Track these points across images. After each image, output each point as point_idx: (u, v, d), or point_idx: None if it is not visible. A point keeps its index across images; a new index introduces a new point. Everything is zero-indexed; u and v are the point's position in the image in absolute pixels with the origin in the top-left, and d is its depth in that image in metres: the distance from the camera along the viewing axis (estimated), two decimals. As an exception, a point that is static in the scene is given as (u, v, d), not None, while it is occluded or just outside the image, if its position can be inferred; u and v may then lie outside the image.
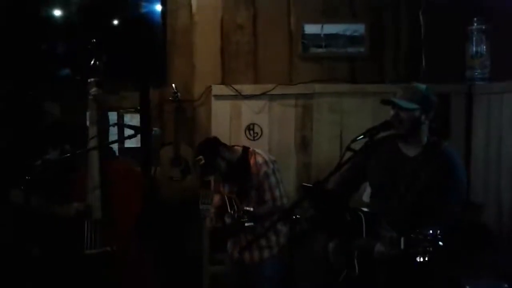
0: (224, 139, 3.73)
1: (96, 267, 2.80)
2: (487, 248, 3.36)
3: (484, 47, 3.76)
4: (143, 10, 3.82)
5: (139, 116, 3.84)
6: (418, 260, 2.01)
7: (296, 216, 2.14)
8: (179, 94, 3.77)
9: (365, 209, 2.48)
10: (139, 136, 3.62)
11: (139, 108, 3.84)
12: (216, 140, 3.18)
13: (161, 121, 3.86)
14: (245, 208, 2.81)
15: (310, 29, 3.88)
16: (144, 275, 2.96)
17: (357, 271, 2.39)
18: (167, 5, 3.83)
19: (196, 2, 3.87)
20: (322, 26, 3.88)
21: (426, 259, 2.00)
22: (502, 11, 3.64)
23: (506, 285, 3.10)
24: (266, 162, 3.06)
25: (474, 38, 3.80)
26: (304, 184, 2.87)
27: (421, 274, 2.34)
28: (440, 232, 2.02)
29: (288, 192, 3.40)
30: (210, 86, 3.87)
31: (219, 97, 3.85)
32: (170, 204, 3.69)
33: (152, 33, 3.84)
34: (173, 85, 3.77)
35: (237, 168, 3.06)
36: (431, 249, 2.00)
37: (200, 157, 2.99)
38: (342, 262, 2.48)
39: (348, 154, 2.32)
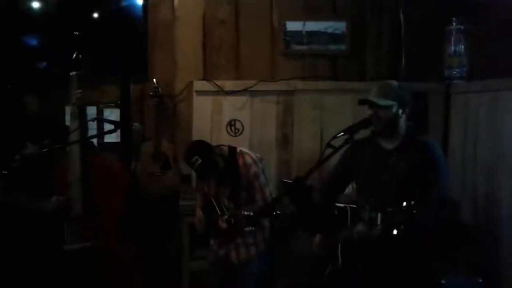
0: (205, 135, 3.76)
1: (75, 262, 2.78)
2: (463, 244, 3.45)
3: (462, 46, 3.84)
4: (125, 4, 3.78)
5: (119, 111, 3.80)
6: (394, 232, 2.06)
7: (276, 212, 2.15)
8: (160, 89, 3.76)
9: (352, 205, 2.52)
10: (119, 131, 3.61)
11: (119, 102, 3.80)
12: (204, 141, 3.12)
13: (141, 116, 3.84)
14: (243, 213, 2.70)
15: (292, 26, 3.90)
16: (124, 271, 2.94)
17: (340, 263, 2.44)
18: (148, 0, 3.80)
19: (177, -4, 3.86)
20: (304, 24, 3.91)
21: (402, 228, 2.06)
22: (480, 11, 3.71)
23: (480, 280, 3.19)
24: (255, 161, 3.02)
25: (452, 38, 3.87)
26: (284, 180, 2.89)
27: (400, 267, 2.40)
28: (414, 204, 2.08)
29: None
30: (192, 82, 3.86)
31: (200, 92, 3.84)
32: (151, 199, 3.67)
33: (133, 27, 3.80)
34: (154, 80, 3.76)
35: (226, 170, 3.00)
36: (406, 219, 2.07)
37: (196, 157, 2.88)
38: (326, 256, 2.52)
39: (329, 151, 2.37)
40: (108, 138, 3.65)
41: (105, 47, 3.67)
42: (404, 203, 2.11)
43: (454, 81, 3.88)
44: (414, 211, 2.07)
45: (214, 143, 3.66)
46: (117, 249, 2.92)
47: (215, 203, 2.99)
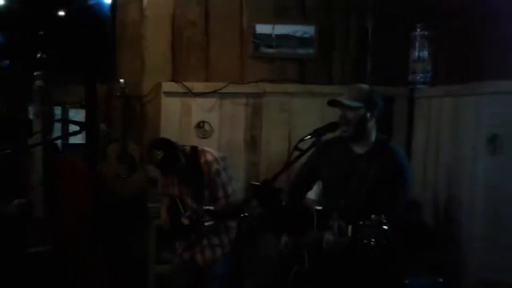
0: (174, 137, 3.70)
1: (38, 266, 2.72)
2: (425, 245, 3.54)
3: (426, 52, 3.94)
4: (91, 3, 3.72)
5: (84, 111, 3.74)
6: (365, 243, 2.10)
7: (244, 214, 2.17)
8: (127, 89, 3.72)
9: (318, 207, 2.56)
10: (84, 132, 3.55)
11: (84, 103, 3.74)
12: (167, 138, 3.15)
13: (108, 117, 3.78)
14: (204, 207, 2.77)
15: (262, 29, 3.92)
16: (89, 274, 2.90)
17: (307, 265, 2.47)
18: (117, -1, 3.76)
19: (146, -4, 3.82)
20: (273, 27, 3.93)
21: (372, 242, 2.10)
22: (443, 19, 3.83)
23: (441, 280, 3.29)
24: (216, 159, 3.07)
25: (417, 44, 3.96)
26: (252, 182, 2.92)
27: (366, 269, 2.45)
28: (384, 217, 2.13)
29: (238, 190, 3.44)
30: (160, 83, 3.83)
31: (169, 94, 3.81)
32: (117, 201, 3.63)
33: (100, 26, 3.76)
34: (121, 80, 3.71)
35: (188, 168, 3.04)
36: (377, 233, 2.11)
37: (160, 152, 2.90)
38: (292, 258, 2.55)
39: (296, 154, 2.40)
40: (73, 140, 3.59)
41: (71, 46, 3.61)
42: (373, 216, 2.14)
43: (418, 86, 3.98)
44: (385, 227, 2.10)
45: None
46: (81, 252, 2.87)
47: (179, 203, 3.02)
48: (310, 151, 2.49)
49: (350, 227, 2.23)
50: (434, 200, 3.73)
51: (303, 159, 2.56)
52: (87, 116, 3.68)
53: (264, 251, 3.35)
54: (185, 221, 2.92)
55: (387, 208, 2.28)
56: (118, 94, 3.68)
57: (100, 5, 3.76)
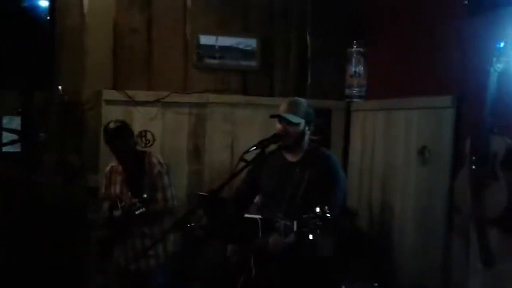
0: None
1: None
2: (360, 251, 3.73)
3: (362, 68, 4.17)
4: (28, 6, 3.58)
5: (19, 119, 3.58)
6: (311, 237, 2.20)
7: (190, 224, 2.20)
8: (66, 97, 3.62)
9: (259, 216, 2.63)
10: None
11: (20, 110, 3.59)
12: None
13: (46, 125, 3.65)
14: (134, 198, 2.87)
15: (205, 40, 3.97)
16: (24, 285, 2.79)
17: (253, 273, 2.53)
18: (55, 3, 3.64)
19: (88, 2, 3.75)
20: (216, 38, 3.99)
21: (318, 233, 2.20)
22: (376, 36, 4.08)
23: (376, 284, 3.46)
24: (160, 163, 3.15)
25: (353, 59, 4.19)
26: (199, 193, 2.96)
27: (307, 275, 2.55)
28: (327, 208, 2.25)
29: (180, 199, 3.45)
30: (101, 91, 3.76)
31: (110, 102, 3.75)
32: (54, 211, 3.50)
33: (38, 31, 3.61)
34: (60, 87, 3.61)
35: (133, 166, 3.10)
36: (320, 223, 2.22)
37: (117, 123, 3.09)
38: (239, 266, 2.60)
39: (242, 164, 2.46)
40: (8, 148, 3.43)
41: (5, 51, 3.45)
42: (318, 209, 2.26)
43: (354, 100, 4.21)
44: (328, 215, 2.23)
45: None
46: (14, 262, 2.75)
47: (119, 203, 3.03)
48: (240, 164, 2.55)
49: (295, 223, 2.34)
50: (369, 207, 3.94)
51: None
52: (23, 124, 3.53)
53: (210, 260, 3.37)
54: (117, 213, 2.96)
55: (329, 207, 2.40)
56: (56, 101, 3.57)
57: (37, 9, 3.62)
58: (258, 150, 2.55)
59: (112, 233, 3.10)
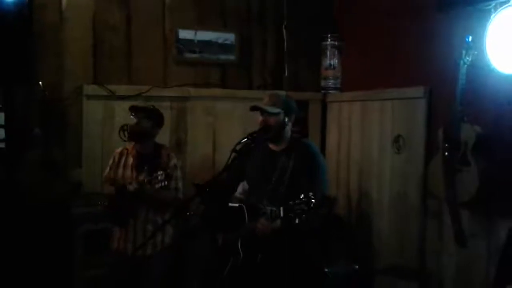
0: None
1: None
2: (340, 235, 3.89)
3: (337, 60, 4.32)
4: (7, 3, 3.55)
5: (2, 115, 3.57)
6: (297, 222, 2.34)
7: (189, 213, 2.29)
8: (47, 92, 3.61)
9: (246, 203, 2.76)
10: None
11: (1, 107, 3.57)
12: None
13: (29, 121, 3.63)
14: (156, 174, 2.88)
15: (184, 34, 4.02)
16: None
17: (241, 256, 2.66)
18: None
19: (66, -2, 3.74)
20: (195, 33, 4.05)
21: (303, 218, 2.34)
22: (351, 30, 4.23)
23: (356, 267, 3.64)
24: (175, 156, 3.26)
25: (328, 53, 4.34)
26: (197, 183, 3.03)
27: (293, 257, 2.69)
28: (311, 195, 2.39)
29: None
30: (81, 86, 3.77)
31: (91, 97, 3.76)
32: (39, 207, 3.51)
33: (17, 28, 3.59)
34: (40, 82, 3.60)
35: (152, 153, 3.17)
36: (306, 208, 2.36)
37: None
38: (229, 251, 2.72)
39: (234, 155, 2.57)
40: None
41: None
42: (302, 195, 2.39)
43: (330, 91, 4.36)
44: (313, 200, 2.36)
45: (105, 149, 3.68)
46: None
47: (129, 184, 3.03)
48: (233, 155, 2.66)
49: (282, 209, 2.48)
50: (347, 194, 4.11)
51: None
52: (6, 120, 3.51)
53: (202, 248, 3.46)
54: (132, 187, 2.97)
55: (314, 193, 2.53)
56: (37, 97, 3.56)
57: (16, 5, 3.60)
58: (248, 141, 2.68)
59: (115, 218, 3.11)
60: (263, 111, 2.76)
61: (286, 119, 2.79)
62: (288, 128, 2.83)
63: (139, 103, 3.73)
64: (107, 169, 3.25)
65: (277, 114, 2.75)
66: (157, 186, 2.85)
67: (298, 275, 2.74)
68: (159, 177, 2.86)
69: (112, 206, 3.05)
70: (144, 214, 3.09)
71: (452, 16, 3.16)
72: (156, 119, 3.21)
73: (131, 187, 2.97)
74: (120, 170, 3.17)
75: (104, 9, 3.85)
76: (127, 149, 3.24)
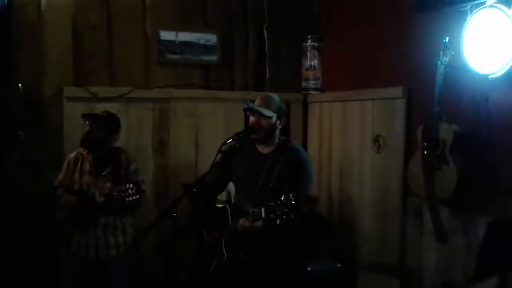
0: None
1: None
2: (322, 234, 3.94)
3: (317, 61, 4.37)
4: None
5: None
6: (278, 223, 2.36)
7: (176, 214, 2.29)
8: (26, 94, 3.57)
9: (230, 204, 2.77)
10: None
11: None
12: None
13: (7, 123, 3.59)
14: (129, 184, 2.92)
15: (166, 35, 4.02)
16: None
17: (225, 256, 2.67)
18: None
19: (45, -2, 3.71)
20: (177, 34, 4.05)
21: (284, 218, 2.38)
22: (331, 31, 4.28)
23: (339, 265, 3.69)
24: (135, 160, 3.27)
25: (308, 54, 4.39)
26: (185, 182, 3.04)
27: (275, 255, 2.72)
28: (292, 196, 2.42)
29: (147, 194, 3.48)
30: (62, 87, 3.73)
31: (71, 98, 3.73)
32: (20, 209, 3.48)
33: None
34: (19, 84, 3.56)
35: (109, 158, 3.16)
36: (287, 210, 2.39)
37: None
38: (213, 251, 2.73)
39: (220, 156, 2.60)
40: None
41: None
42: (283, 197, 2.42)
43: (311, 92, 4.40)
44: (293, 202, 2.39)
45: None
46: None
47: (87, 192, 3.08)
48: (220, 156, 2.68)
49: (263, 209, 2.51)
50: (329, 194, 4.16)
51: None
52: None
53: (193, 246, 3.46)
54: (100, 199, 3.01)
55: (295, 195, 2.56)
56: (16, 98, 3.52)
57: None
58: (234, 142, 2.69)
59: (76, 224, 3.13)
60: (255, 112, 2.76)
61: (278, 123, 2.82)
62: (278, 131, 2.85)
63: (120, 105, 3.77)
64: (61, 175, 3.24)
65: (270, 117, 2.77)
66: (128, 199, 2.89)
67: (280, 274, 2.76)
68: (129, 191, 2.89)
69: (73, 214, 3.08)
70: (104, 220, 3.12)
71: (431, 17, 3.23)
72: (110, 125, 3.19)
73: (99, 200, 3.01)
74: (77, 175, 3.17)
75: (84, 10, 3.82)
76: (82, 154, 3.23)
